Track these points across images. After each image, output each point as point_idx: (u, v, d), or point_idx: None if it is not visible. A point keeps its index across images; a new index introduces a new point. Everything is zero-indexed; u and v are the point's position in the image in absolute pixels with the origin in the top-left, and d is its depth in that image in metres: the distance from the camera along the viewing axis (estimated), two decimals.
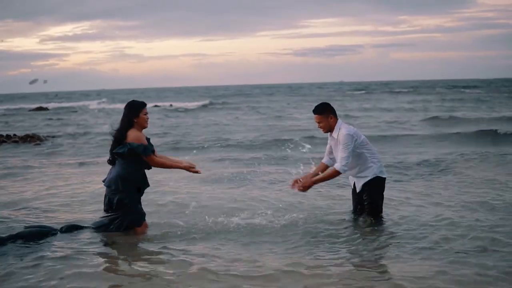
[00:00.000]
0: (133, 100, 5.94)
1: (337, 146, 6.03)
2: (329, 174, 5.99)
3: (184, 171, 5.96)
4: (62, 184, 9.25)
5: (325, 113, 5.98)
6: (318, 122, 6.02)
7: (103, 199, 5.92)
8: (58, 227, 6.13)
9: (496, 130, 15.72)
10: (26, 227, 6.05)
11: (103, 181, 5.93)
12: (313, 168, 6.33)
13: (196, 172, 5.93)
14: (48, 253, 5.31)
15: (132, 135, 5.71)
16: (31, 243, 5.66)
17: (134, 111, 5.78)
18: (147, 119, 5.85)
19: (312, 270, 4.73)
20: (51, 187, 8.96)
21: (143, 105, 5.84)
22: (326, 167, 6.22)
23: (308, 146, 7.67)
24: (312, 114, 6.10)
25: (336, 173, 5.92)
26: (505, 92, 45.50)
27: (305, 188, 6.01)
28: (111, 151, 5.83)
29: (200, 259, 5.04)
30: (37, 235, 5.85)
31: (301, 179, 6.07)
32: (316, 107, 6.07)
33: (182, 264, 4.93)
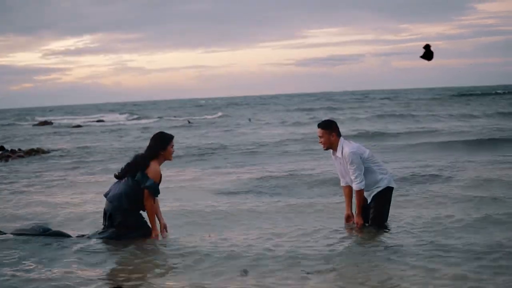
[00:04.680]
0: (162, 132, 5.98)
1: (346, 166, 6.09)
2: (358, 198, 6.11)
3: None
4: (70, 194, 9.32)
5: (329, 129, 6.07)
6: (320, 136, 6.12)
7: (103, 213, 5.94)
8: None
9: None
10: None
11: (105, 195, 5.94)
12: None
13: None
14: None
15: (153, 169, 5.75)
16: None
17: (163, 144, 5.84)
18: (173, 151, 5.93)
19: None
20: (57, 198, 9.03)
21: (171, 138, 5.91)
22: (350, 187, 6.27)
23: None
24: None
25: (360, 191, 6.06)
26: None
27: (361, 224, 6.18)
28: (127, 169, 5.82)
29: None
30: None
31: (349, 213, 6.31)
32: (322, 121, 6.22)
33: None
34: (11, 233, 6.26)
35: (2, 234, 6.26)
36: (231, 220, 7.20)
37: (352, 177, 6.01)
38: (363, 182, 5.99)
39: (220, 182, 10.47)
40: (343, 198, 6.60)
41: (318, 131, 6.13)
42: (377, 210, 6.14)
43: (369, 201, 6.18)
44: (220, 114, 43.77)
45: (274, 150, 16.27)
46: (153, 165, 5.76)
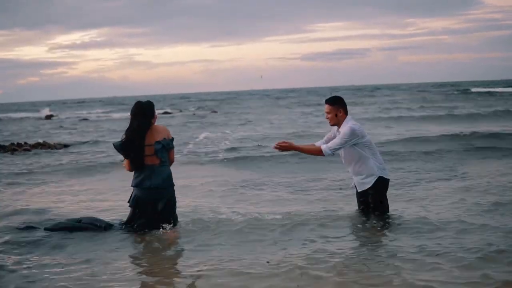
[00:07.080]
0: (141, 102, 5.91)
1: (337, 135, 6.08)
2: (311, 149, 6.05)
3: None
4: (80, 190, 9.38)
5: (336, 105, 6.04)
6: (327, 112, 6.09)
7: (142, 203, 5.81)
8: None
9: None
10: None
11: (148, 187, 5.76)
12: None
13: None
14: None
15: (163, 129, 5.87)
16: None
17: (152, 112, 5.86)
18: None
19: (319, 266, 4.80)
20: (68, 193, 9.08)
21: (153, 103, 5.94)
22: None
23: None
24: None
25: (319, 153, 5.95)
26: None
27: (281, 147, 5.89)
28: (141, 150, 5.74)
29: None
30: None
31: (287, 142, 5.95)
32: (330, 97, 6.16)
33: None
34: (44, 228, 6.29)
35: (35, 229, 6.32)
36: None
37: (331, 144, 5.93)
38: (331, 153, 5.90)
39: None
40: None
41: (325, 106, 6.10)
42: (379, 203, 6.15)
43: (359, 189, 6.16)
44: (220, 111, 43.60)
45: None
46: (159, 127, 5.85)
